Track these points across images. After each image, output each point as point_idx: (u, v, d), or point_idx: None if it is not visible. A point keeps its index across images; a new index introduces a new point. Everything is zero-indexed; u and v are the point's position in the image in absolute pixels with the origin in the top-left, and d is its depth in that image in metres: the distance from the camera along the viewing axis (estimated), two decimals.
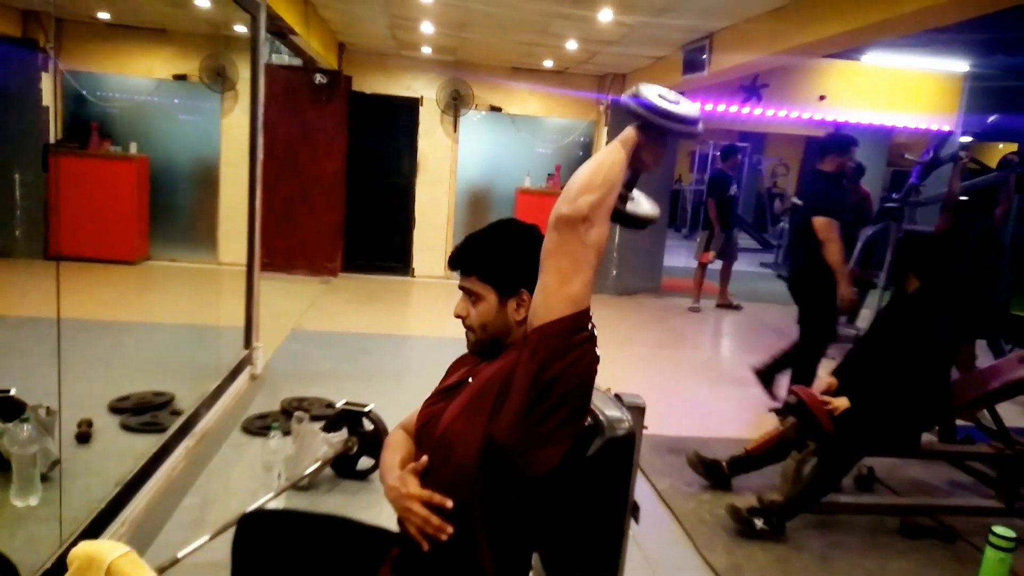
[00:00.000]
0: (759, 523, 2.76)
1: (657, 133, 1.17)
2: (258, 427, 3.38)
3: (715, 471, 3.20)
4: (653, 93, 1.17)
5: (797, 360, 4.20)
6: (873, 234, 5.78)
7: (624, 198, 1.25)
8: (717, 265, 8.01)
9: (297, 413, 3.00)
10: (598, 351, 1.19)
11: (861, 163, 7.61)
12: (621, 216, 1.26)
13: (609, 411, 1.38)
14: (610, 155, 1.17)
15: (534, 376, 1.15)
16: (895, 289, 3.02)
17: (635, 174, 1.24)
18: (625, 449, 1.36)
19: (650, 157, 1.19)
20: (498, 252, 1.42)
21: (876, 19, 3.52)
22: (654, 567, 2.59)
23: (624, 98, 1.18)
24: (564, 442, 1.20)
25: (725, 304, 7.58)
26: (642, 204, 1.30)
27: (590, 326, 1.17)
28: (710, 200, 7.28)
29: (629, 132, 1.19)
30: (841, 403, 2.85)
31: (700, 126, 1.19)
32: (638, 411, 1.47)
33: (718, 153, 14.95)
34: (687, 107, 1.18)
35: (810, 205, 4.07)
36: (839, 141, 4.15)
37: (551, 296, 1.14)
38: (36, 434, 2.49)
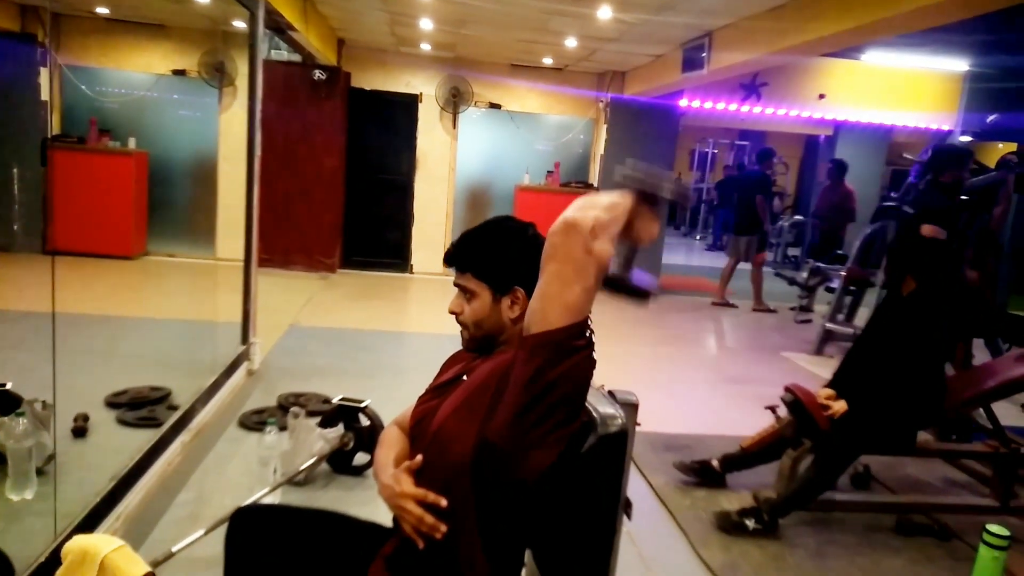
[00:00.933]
0: (751, 524, 2.76)
1: (652, 200, 1.18)
2: (254, 422, 3.38)
3: (706, 472, 3.20)
4: (641, 164, 1.20)
5: None
6: (871, 233, 5.79)
7: (628, 266, 1.26)
8: (721, 262, 8.03)
9: (293, 408, 3.00)
10: (595, 355, 1.19)
11: (843, 160, 7.62)
12: (624, 286, 1.27)
13: (602, 408, 1.38)
14: (614, 194, 1.16)
15: (529, 380, 1.15)
16: (889, 289, 3.01)
17: (633, 249, 1.25)
18: (618, 445, 1.37)
19: (644, 228, 1.18)
20: (493, 250, 1.41)
21: (876, 18, 3.51)
22: (648, 564, 2.60)
23: (621, 170, 1.19)
24: (557, 445, 1.20)
25: (722, 303, 7.57)
26: (643, 278, 1.31)
27: (588, 333, 1.16)
28: (759, 197, 7.19)
29: (625, 197, 1.17)
30: (839, 407, 2.85)
31: (691, 194, 1.30)
32: (631, 408, 1.47)
33: (715, 150, 15.03)
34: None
35: (921, 214, 4.19)
36: (957, 156, 4.32)
37: (549, 304, 1.13)
38: (32, 428, 2.49)
